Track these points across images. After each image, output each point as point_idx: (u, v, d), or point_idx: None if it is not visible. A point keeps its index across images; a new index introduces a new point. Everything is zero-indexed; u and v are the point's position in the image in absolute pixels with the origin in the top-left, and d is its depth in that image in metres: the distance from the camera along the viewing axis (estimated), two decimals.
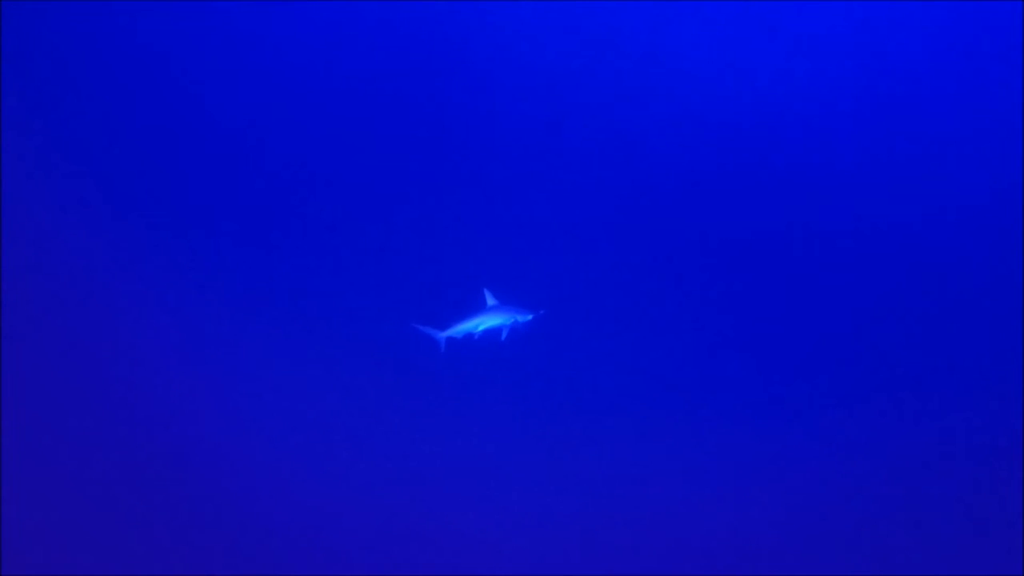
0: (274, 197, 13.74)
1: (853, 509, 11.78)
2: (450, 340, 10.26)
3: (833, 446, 12.39)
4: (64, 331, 12.23)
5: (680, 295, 13.76)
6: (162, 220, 13.20)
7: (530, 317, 10.18)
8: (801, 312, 13.66)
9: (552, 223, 13.78)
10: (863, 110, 14.46)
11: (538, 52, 14.30)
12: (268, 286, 13.18)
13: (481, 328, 10.19)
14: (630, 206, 14.03)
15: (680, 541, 11.30)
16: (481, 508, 11.55)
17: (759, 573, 11.06)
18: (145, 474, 11.46)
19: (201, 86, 13.72)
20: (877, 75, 14.54)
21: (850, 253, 13.96)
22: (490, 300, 10.36)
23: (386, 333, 11.84)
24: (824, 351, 13.37)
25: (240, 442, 11.88)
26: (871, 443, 12.42)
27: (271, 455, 11.85)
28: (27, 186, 12.48)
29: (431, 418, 12.26)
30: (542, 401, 12.62)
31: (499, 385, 12.44)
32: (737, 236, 13.98)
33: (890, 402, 12.84)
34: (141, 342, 12.38)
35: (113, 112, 13.47)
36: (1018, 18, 14.12)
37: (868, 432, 12.54)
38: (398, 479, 11.73)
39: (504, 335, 10.21)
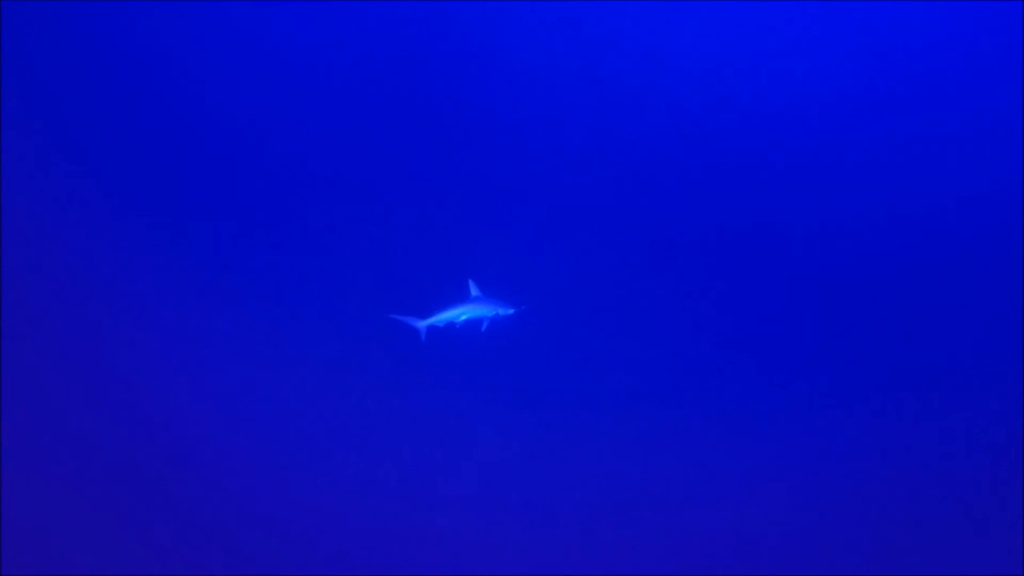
0: (266, 191, 13.73)
1: (852, 509, 11.78)
2: (431, 329, 10.31)
3: (830, 446, 12.38)
4: (63, 331, 12.23)
5: (673, 293, 13.74)
6: (144, 210, 13.14)
7: (511, 311, 10.25)
8: (793, 306, 13.65)
9: (543, 219, 13.77)
10: (862, 109, 14.45)
11: (529, 46, 14.29)
12: (259, 278, 13.17)
13: (462, 318, 10.25)
14: (624, 203, 14.02)
15: (673, 542, 11.32)
16: (471, 505, 11.58)
17: (755, 573, 11.08)
18: (139, 472, 11.46)
19: (195, 84, 13.70)
20: (876, 74, 14.54)
21: (846, 251, 13.95)
22: (474, 291, 10.43)
23: (373, 324, 11.79)
24: (816, 349, 13.35)
25: (230, 438, 11.92)
26: (870, 443, 12.41)
27: (261, 451, 11.88)
28: (27, 186, 12.48)
29: (419, 412, 12.26)
30: (531, 397, 12.61)
31: (488, 381, 12.45)
32: (731, 232, 13.97)
33: (889, 401, 12.83)
34: (126, 336, 12.36)
35: (110, 111, 13.46)
36: (1018, 18, 14.12)
37: (866, 432, 12.53)
38: (386, 474, 11.77)
39: (484, 327, 10.27)
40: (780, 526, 11.66)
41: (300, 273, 13.27)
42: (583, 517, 11.50)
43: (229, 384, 12.31)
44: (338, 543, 11.27)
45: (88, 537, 11.00)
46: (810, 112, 14.44)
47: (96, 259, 12.76)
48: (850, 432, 12.58)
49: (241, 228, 13.46)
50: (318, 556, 11.14)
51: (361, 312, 12.45)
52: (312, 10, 13.95)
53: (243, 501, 11.46)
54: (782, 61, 14.49)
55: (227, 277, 13.12)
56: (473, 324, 10.32)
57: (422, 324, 10.36)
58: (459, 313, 10.28)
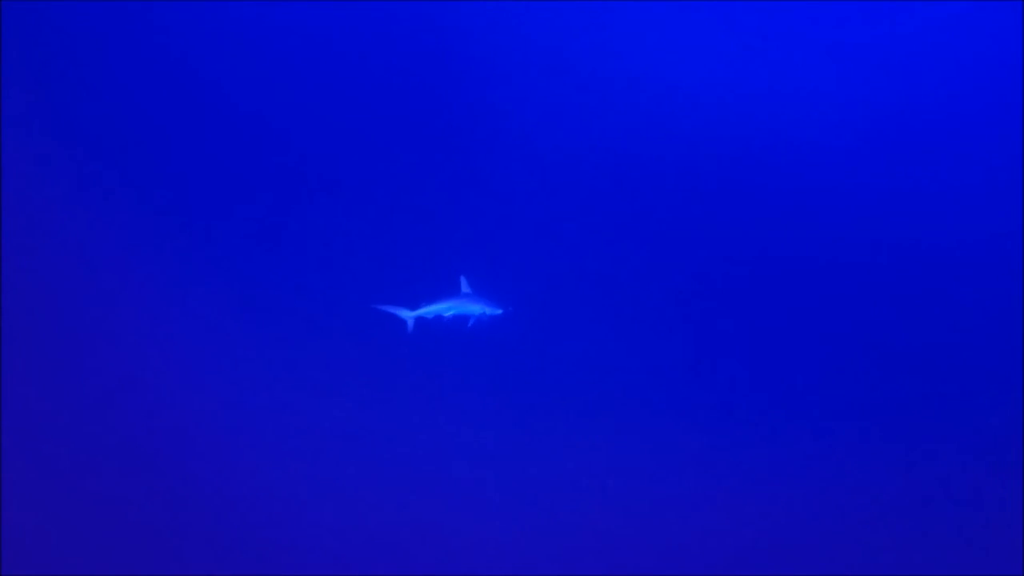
0: (262, 187, 13.74)
1: (851, 510, 11.78)
2: (419, 321, 10.44)
3: (826, 450, 12.36)
4: (61, 331, 12.26)
5: (668, 295, 13.71)
6: (135, 203, 13.17)
7: (499, 311, 10.30)
8: (787, 305, 13.62)
9: (539, 219, 13.77)
10: (861, 112, 14.43)
11: (527, 44, 14.30)
12: (255, 271, 13.20)
13: (449, 313, 10.37)
14: (621, 205, 14.01)
15: (663, 544, 11.33)
16: (457, 503, 11.64)
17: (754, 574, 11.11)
18: (138, 472, 11.50)
19: (191, 83, 13.74)
20: (874, 75, 14.52)
21: (845, 253, 13.92)
22: (465, 288, 10.52)
23: (363, 314, 11.84)
24: (812, 351, 13.33)
25: (225, 434, 11.98)
26: (869, 444, 12.41)
27: (257, 448, 11.95)
28: (27, 186, 12.52)
29: (405, 406, 12.30)
30: (518, 395, 12.62)
31: (475, 377, 12.47)
32: (727, 232, 13.90)
33: (888, 402, 12.83)
34: (118, 333, 12.39)
35: (109, 111, 13.50)
36: (1018, 18, 14.10)
37: (865, 433, 12.53)
38: (374, 471, 11.82)
39: (470, 324, 10.38)
40: (779, 528, 11.65)
41: (294, 266, 13.28)
42: (571, 518, 11.52)
43: (224, 380, 12.34)
44: (325, 541, 11.31)
45: (88, 537, 11.00)
46: (809, 114, 14.42)
47: (91, 258, 12.79)
48: (848, 434, 12.56)
49: (236, 222, 13.45)
50: (309, 554, 11.17)
51: (352, 302, 12.45)
52: (310, 12, 13.99)
53: (241, 499, 11.49)
54: (778, 60, 14.48)
55: (220, 271, 13.13)
56: (460, 320, 10.43)
57: (410, 315, 10.49)
58: (447, 307, 10.41)
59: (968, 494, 11.76)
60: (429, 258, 12.91)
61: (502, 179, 13.81)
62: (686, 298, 13.73)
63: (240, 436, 12.03)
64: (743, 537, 11.49)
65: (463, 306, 10.37)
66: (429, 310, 10.43)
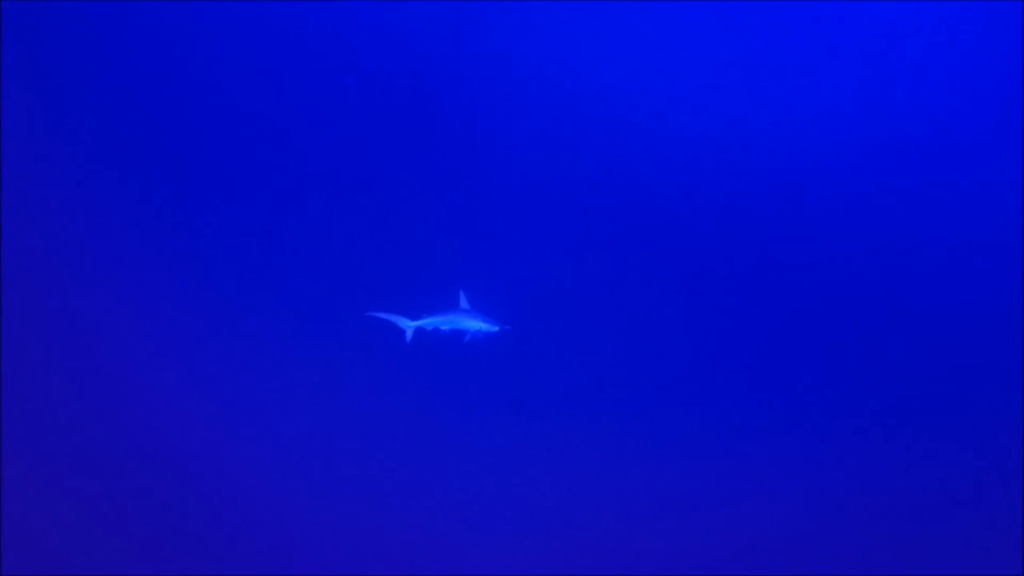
0: (270, 194, 13.74)
1: (852, 510, 11.78)
2: (417, 331, 10.61)
3: (824, 457, 12.38)
4: (62, 331, 12.28)
5: (674, 312, 13.66)
6: (132, 205, 13.16)
7: (495, 330, 10.38)
8: (792, 319, 13.60)
9: (542, 237, 13.76)
10: (860, 113, 14.42)
11: (533, 63, 14.29)
12: (256, 278, 13.20)
13: (445, 327, 10.53)
14: (624, 227, 13.98)
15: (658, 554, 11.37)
16: (451, 509, 11.72)
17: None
18: (137, 472, 11.52)
19: (188, 86, 13.74)
20: (873, 77, 14.50)
21: (844, 255, 13.92)
22: (463, 303, 10.68)
23: (363, 322, 11.91)
24: (810, 358, 13.35)
25: (225, 436, 12.01)
26: (869, 445, 12.42)
27: (255, 449, 12.00)
28: (27, 186, 12.53)
29: (401, 413, 12.36)
30: (512, 408, 12.64)
31: (471, 388, 12.53)
32: (729, 249, 13.87)
33: (888, 403, 12.84)
34: (117, 335, 12.41)
35: (108, 111, 13.50)
36: (1018, 18, 14.09)
37: (865, 435, 12.54)
38: (374, 477, 11.89)
39: (467, 339, 10.51)
40: (779, 529, 11.67)
41: (296, 272, 13.28)
42: (565, 527, 11.57)
43: (223, 381, 12.36)
44: (318, 545, 11.35)
45: (88, 537, 11.01)
46: (808, 115, 14.40)
47: (91, 259, 12.79)
48: (849, 436, 12.58)
49: (239, 224, 13.44)
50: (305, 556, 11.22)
51: (354, 310, 12.50)
52: (310, 14, 14.00)
53: (239, 499, 11.52)
54: (777, 61, 14.46)
55: (221, 272, 13.14)
56: (457, 334, 10.55)
57: (409, 325, 10.61)
58: (445, 321, 10.56)
59: (968, 494, 11.77)
60: (429, 271, 12.95)
61: (506, 196, 13.80)
62: (687, 313, 13.69)
63: (239, 437, 12.05)
64: (744, 542, 11.50)
65: (460, 321, 10.51)
66: (428, 322, 10.56)
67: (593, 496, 11.89)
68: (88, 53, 13.47)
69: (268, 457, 11.90)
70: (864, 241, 13.81)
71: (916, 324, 13.49)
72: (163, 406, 12.07)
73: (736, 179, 14.06)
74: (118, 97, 13.51)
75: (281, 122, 13.80)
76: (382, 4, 13.96)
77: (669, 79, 14.22)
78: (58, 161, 12.98)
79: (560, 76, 14.18)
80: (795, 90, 14.31)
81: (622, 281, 13.63)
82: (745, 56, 14.36)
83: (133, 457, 11.69)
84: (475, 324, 10.42)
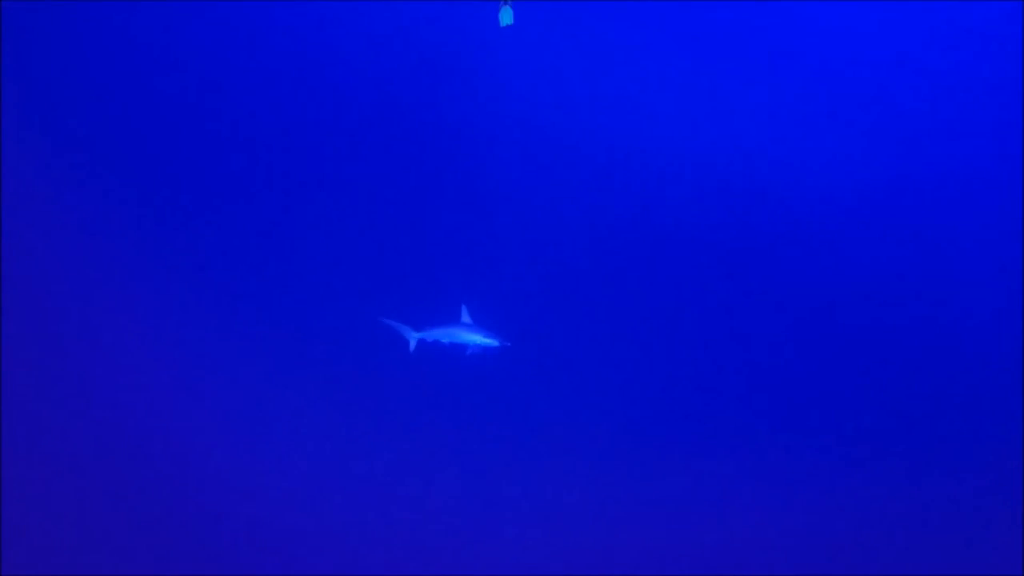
0: (275, 197, 13.79)
1: (852, 510, 11.79)
2: (421, 341, 10.91)
3: (828, 453, 12.39)
4: (61, 331, 12.29)
5: (674, 333, 13.71)
6: (144, 214, 13.21)
7: (495, 344, 10.52)
8: (787, 331, 13.61)
9: (545, 255, 13.83)
10: (860, 114, 14.43)
11: (547, 69, 14.34)
12: (257, 279, 13.26)
13: (447, 340, 10.78)
14: (628, 247, 14.02)
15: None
16: (455, 510, 11.73)
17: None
18: (137, 473, 11.53)
19: (189, 92, 13.78)
20: (874, 76, 14.51)
21: (843, 258, 13.93)
22: (465, 318, 10.85)
23: (370, 329, 12.01)
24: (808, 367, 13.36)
25: (225, 439, 12.03)
26: (869, 446, 12.43)
27: (265, 455, 12.09)
28: (27, 186, 12.55)
29: (402, 420, 12.49)
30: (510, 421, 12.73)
31: (482, 398, 12.65)
32: (729, 248, 13.92)
33: (888, 404, 12.85)
34: (124, 339, 12.45)
35: (107, 112, 13.52)
36: (1018, 19, 14.09)
37: (866, 436, 12.55)
38: (374, 479, 11.94)
39: (469, 352, 10.73)
40: (780, 529, 11.67)
41: (302, 285, 13.38)
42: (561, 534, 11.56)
43: (224, 383, 12.39)
44: (317, 544, 11.39)
45: (87, 537, 11.02)
46: (807, 115, 14.41)
47: (90, 260, 12.82)
48: (849, 437, 12.58)
49: (250, 235, 13.55)
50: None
51: (358, 321, 12.60)
52: (309, 18, 14.03)
53: (238, 500, 11.54)
54: (775, 62, 14.48)
55: (232, 283, 13.23)
56: (457, 348, 10.79)
57: (414, 335, 10.91)
58: (446, 334, 10.77)
59: (968, 495, 11.76)
60: (433, 284, 13.06)
61: (509, 214, 13.89)
62: (686, 331, 13.72)
63: (239, 439, 12.07)
64: (744, 542, 11.52)
65: (461, 335, 10.68)
66: (431, 333, 10.83)
67: (587, 506, 11.95)
68: (88, 53, 13.50)
69: (267, 458, 11.97)
70: (864, 241, 13.84)
71: (916, 324, 13.51)
72: (165, 407, 12.13)
73: (739, 195, 14.10)
74: (124, 99, 13.56)
75: (292, 134, 13.88)
76: (391, 22, 14.04)
77: (674, 98, 14.30)
78: (64, 161, 13.02)
79: (568, 102, 14.28)
80: (795, 90, 14.35)
81: (623, 300, 13.69)
82: (745, 56, 14.39)
83: (134, 457, 11.71)
84: (475, 338, 10.60)
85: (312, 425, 12.29)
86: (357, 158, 14.07)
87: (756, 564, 11.45)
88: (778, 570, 11.36)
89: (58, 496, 11.27)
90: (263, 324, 12.94)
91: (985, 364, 12.98)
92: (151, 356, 12.45)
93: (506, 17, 7.52)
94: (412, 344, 10.90)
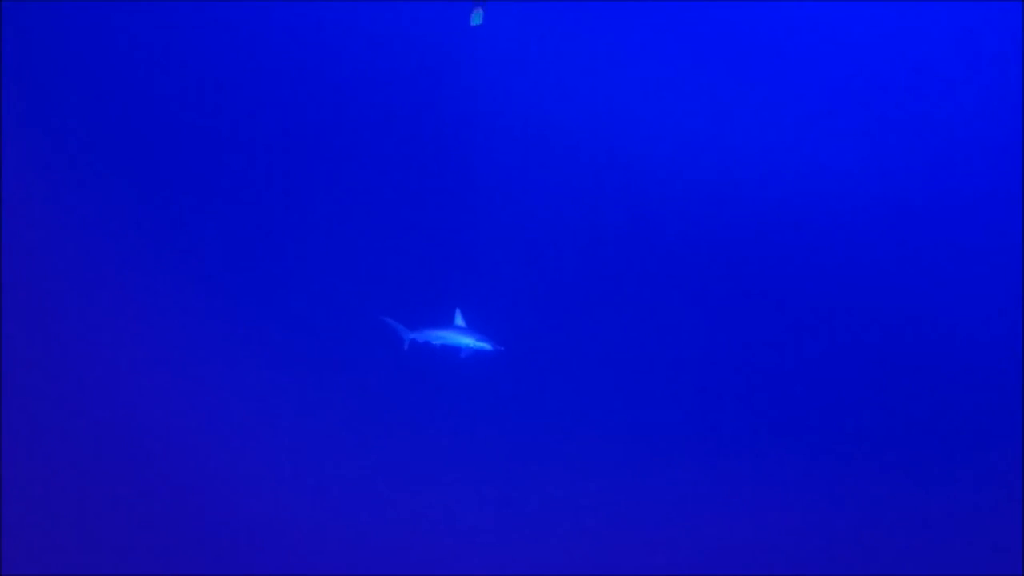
0: (271, 199, 13.81)
1: (852, 511, 11.78)
2: (414, 341, 11.03)
3: (828, 455, 12.38)
4: (62, 331, 12.31)
5: (668, 338, 13.70)
6: (144, 214, 13.23)
7: (488, 348, 10.55)
8: (789, 334, 13.60)
9: (541, 260, 13.83)
10: (859, 115, 14.42)
11: (541, 72, 14.35)
12: (258, 280, 13.29)
13: (439, 342, 10.86)
14: (622, 253, 14.02)
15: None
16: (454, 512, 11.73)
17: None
18: (137, 474, 11.54)
19: (190, 95, 13.80)
20: (871, 80, 14.50)
21: (842, 260, 13.92)
22: (459, 320, 10.90)
23: (366, 327, 12.05)
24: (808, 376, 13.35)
25: (224, 439, 12.05)
26: (869, 447, 12.42)
27: (261, 454, 12.12)
28: (27, 186, 12.57)
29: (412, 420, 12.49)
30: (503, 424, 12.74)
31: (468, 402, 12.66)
32: (728, 251, 13.91)
33: (888, 405, 12.84)
34: (124, 340, 12.46)
35: (106, 112, 13.53)
36: (1018, 19, 14.08)
37: (866, 436, 12.54)
38: (373, 479, 11.96)
39: (462, 355, 10.78)
40: (780, 530, 11.67)
41: (299, 286, 13.42)
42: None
43: (223, 384, 12.40)
44: (316, 544, 11.41)
45: (88, 537, 11.03)
46: (807, 116, 14.41)
47: (90, 260, 12.83)
48: (849, 438, 12.56)
49: (248, 237, 13.58)
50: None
51: (358, 315, 12.63)
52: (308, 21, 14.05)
53: (237, 500, 11.55)
54: (775, 62, 14.48)
55: (229, 285, 13.26)
56: (450, 350, 10.86)
57: (409, 335, 11.04)
58: (439, 336, 10.86)
59: (968, 495, 11.76)
60: (427, 287, 13.09)
61: (504, 217, 13.91)
62: (680, 336, 13.71)
63: (238, 438, 12.09)
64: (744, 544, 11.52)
65: (453, 338, 10.74)
66: (426, 335, 10.92)
67: (581, 509, 11.96)
68: (87, 53, 13.53)
69: (263, 456, 12.00)
70: (864, 242, 13.83)
71: (916, 325, 13.50)
72: (165, 408, 12.17)
73: (736, 196, 14.10)
74: (124, 99, 13.60)
75: (287, 136, 13.91)
76: (389, 23, 14.07)
77: (672, 100, 14.30)
78: (64, 161, 13.05)
79: (561, 105, 14.30)
80: (795, 91, 14.35)
81: (617, 304, 13.69)
82: (744, 56, 14.39)
83: (134, 457, 11.73)
84: (467, 341, 10.64)
85: (307, 425, 12.33)
86: (352, 160, 14.11)
87: (756, 564, 11.44)
88: (778, 570, 11.36)
89: (58, 496, 11.29)
90: (260, 325, 12.98)
91: (985, 364, 12.97)
92: (149, 355, 12.49)
93: (477, 18, 7.60)
94: (406, 343, 10.99)
